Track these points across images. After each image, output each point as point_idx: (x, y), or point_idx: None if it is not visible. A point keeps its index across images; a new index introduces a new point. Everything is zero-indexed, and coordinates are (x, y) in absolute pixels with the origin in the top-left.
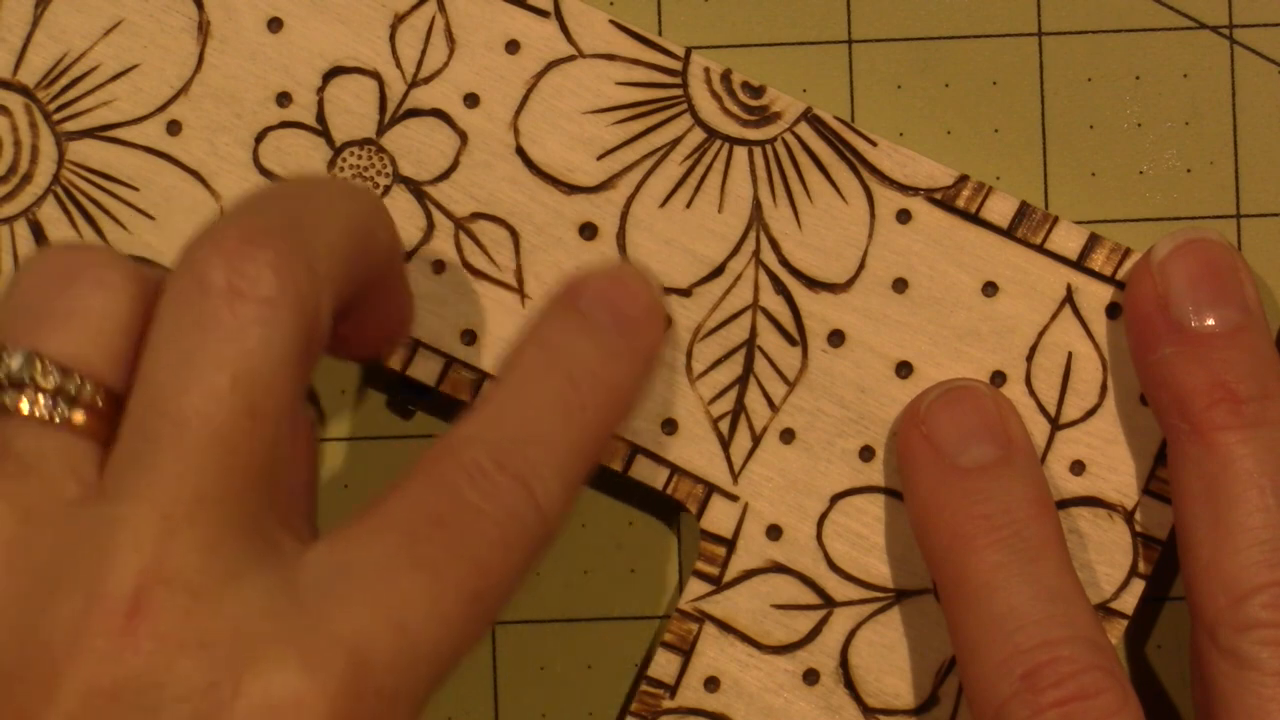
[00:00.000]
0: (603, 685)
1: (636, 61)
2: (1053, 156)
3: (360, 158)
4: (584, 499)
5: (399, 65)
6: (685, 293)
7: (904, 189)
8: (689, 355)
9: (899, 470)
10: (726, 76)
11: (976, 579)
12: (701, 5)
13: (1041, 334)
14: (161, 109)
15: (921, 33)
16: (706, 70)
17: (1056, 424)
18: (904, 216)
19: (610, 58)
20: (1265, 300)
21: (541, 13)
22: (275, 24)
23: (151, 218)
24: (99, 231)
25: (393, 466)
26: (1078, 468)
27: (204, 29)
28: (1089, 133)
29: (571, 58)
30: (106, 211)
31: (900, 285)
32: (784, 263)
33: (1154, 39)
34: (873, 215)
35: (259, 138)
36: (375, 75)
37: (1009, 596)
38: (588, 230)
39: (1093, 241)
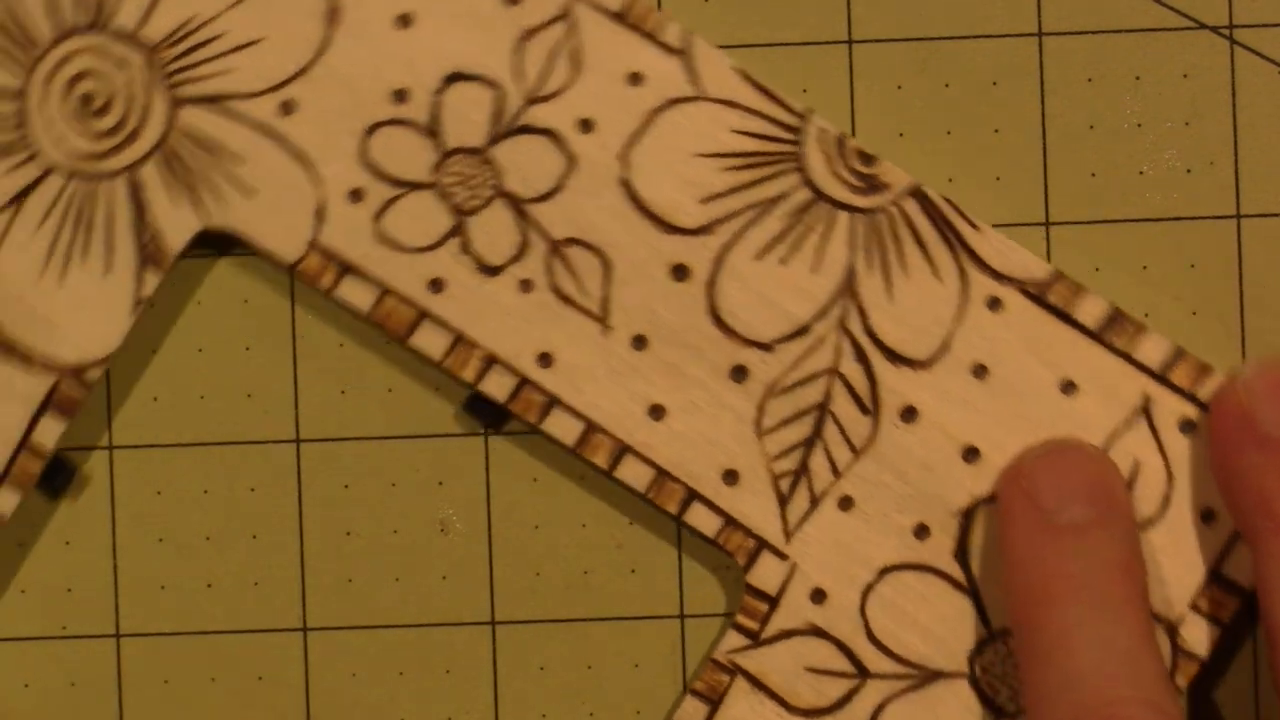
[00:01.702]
0: (603, 685)
1: (756, 112)
2: (1053, 156)
3: (466, 165)
4: (584, 499)
5: (520, 80)
6: (767, 347)
7: (999, 277)
8: (760, 410)
9: (997, 522)
10: (841, 141)
11: (1051, 634)
12: (702, 5)
13: (1112, 438)
14: (279, 86)
15: (921, 33)
16: (822, 131)
17: None
18: (995, 304)
19: (731, 104)
20: (1265, 301)
21: (670, 50)
22: (405, 20)
23: (252, 194)
24: (195, 201)
25: (392, 466)
26: None
27: (334, 14)
28: (1089, 133)
29: (693, 99)
30: (207, 181)
31: (980, 371)
32: (869, 332)
33: (1154, 39)
34: (964, 298)
35: (370, 130)
36: (495, 86)
37: (1080, 656)
38: (680, 272)
39: (1177, 355)
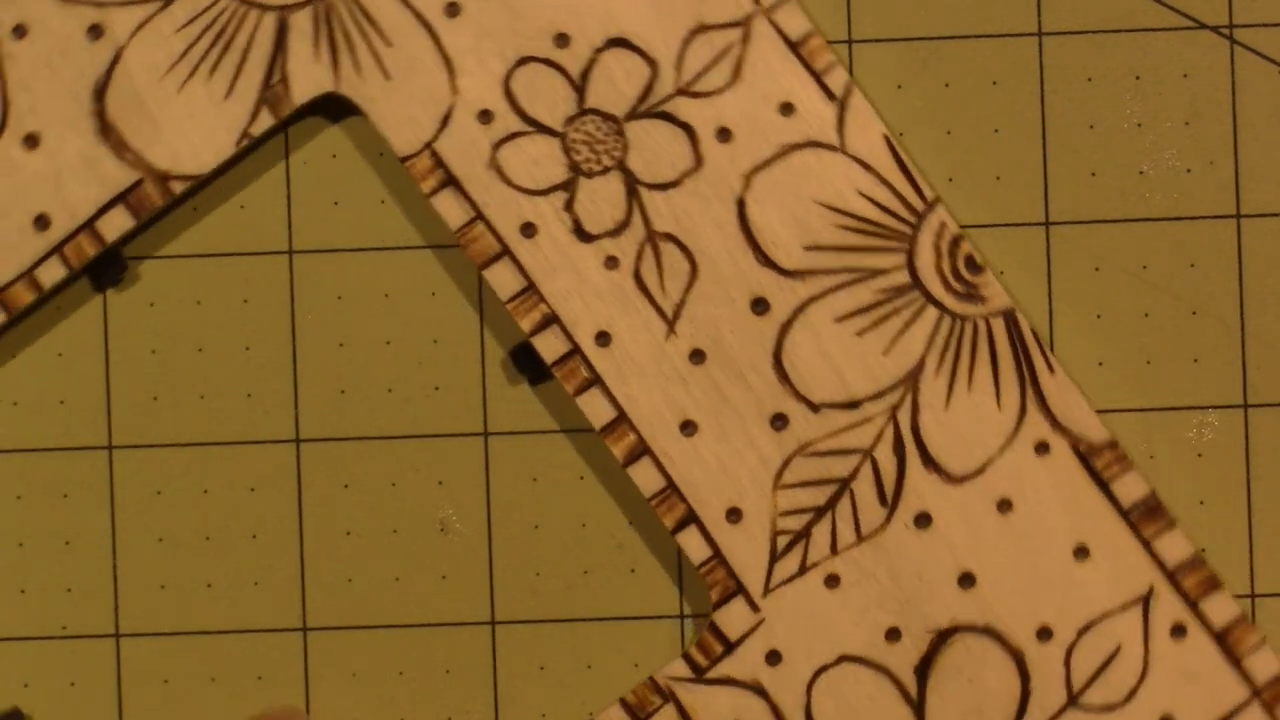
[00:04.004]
0: (603, 685)
1: (887, 183)
2: (1053, 156)
3: (598, 129)
4: (584, 499)
5: (679, 68)
6: (814, 407)
7: (1056, 424)
8: (786, 463)
9: None
10: (957, 241)
11: None
12: None
13: (1104, 617)
14: None
15: (921, 33)
16: (942, 225)
17: (1073, 701)
18: (1042, 449)
19: (866, 167)
20: (1264, 301)
21: (830, 94)
22: None
23: (388, 78)
24: (335, 63)
25: (392, 466)
26: None
27: None
28: (1089, 133)
29: (833, 148)
30: (351, 49)
31: (1005, 505)
32: (915, 429)
33: (1154, 39)
34: (1016, 432)
35: (520, 62)
36: (653, 64)
37: None
38: (760, 305)
39: (1194, 561)
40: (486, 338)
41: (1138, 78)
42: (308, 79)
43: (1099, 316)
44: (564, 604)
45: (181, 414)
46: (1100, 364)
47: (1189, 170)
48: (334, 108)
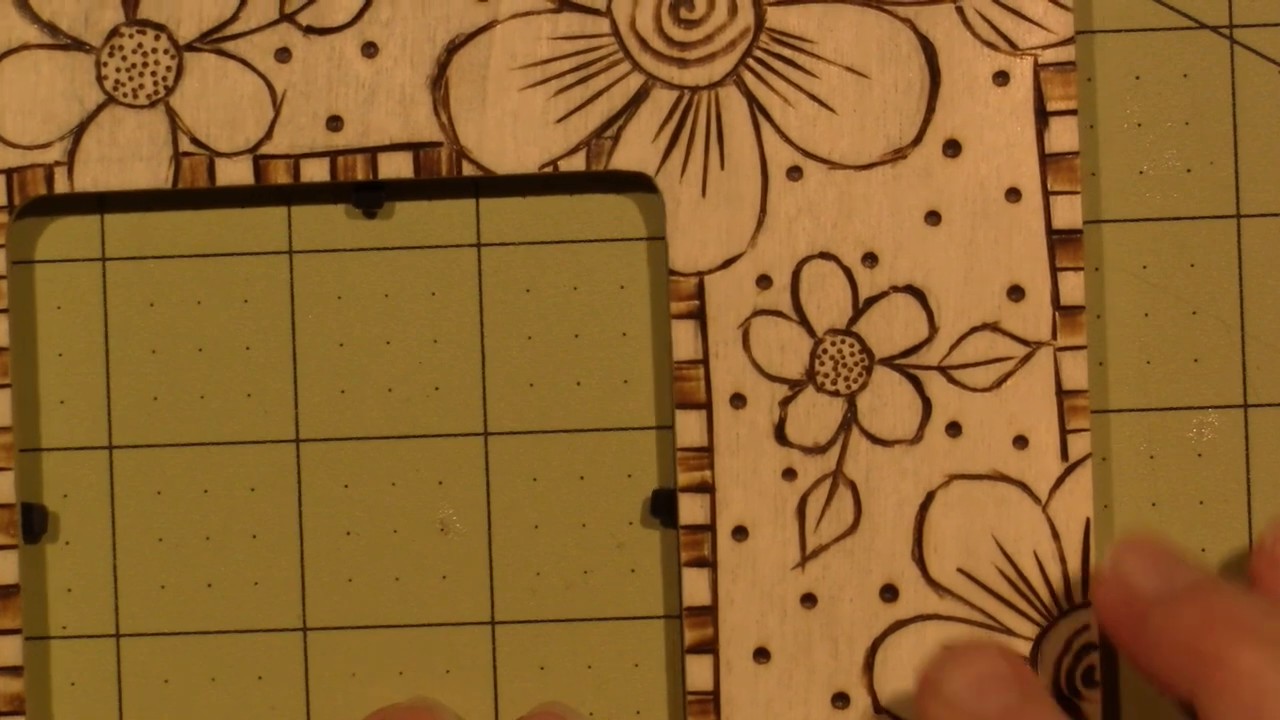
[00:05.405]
0: (603, 685)
1: (1062, 560)
2: None
3: (852, 354)
4: (584, 499)
5: (953, 347)
6: (878, 707)
7: None
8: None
9: None
10: (1088, 648)
11: None
12: None
13: None
14: None
15: None
16: (1085, 628)
17: None
18: None
19: (1055, 536)
20: (1264, 301)
21: (1065, 453)
22: None
23: (703, 196)
24: (666, 152)
25: (392, 466)
26: None
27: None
28: (1089, 133)
29: (1038, 501)
30: (689, 149)
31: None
32: None
33: (1154, 39)
34: None
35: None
36: (934, 328)
37: None
38: (889, 593)
39: None
40: (486, 338)
41: (1138, 78)
42: (634, 152)
43: (1099, 316)
44: (564, 604)
45: (181, 414)
46: (1100, 364)
47: (1189, 170)
48: None
